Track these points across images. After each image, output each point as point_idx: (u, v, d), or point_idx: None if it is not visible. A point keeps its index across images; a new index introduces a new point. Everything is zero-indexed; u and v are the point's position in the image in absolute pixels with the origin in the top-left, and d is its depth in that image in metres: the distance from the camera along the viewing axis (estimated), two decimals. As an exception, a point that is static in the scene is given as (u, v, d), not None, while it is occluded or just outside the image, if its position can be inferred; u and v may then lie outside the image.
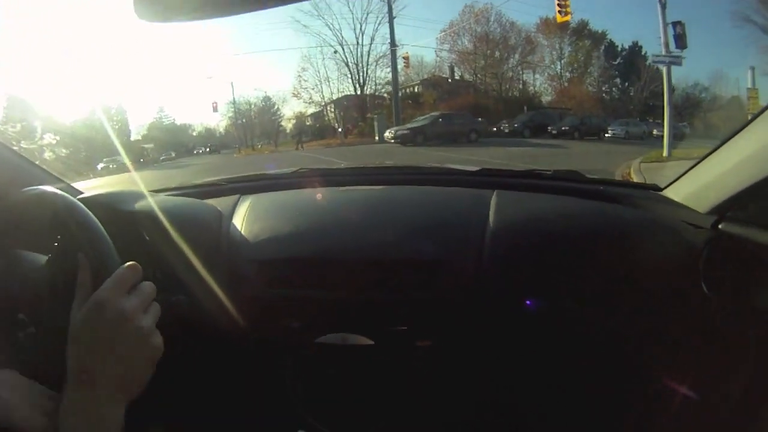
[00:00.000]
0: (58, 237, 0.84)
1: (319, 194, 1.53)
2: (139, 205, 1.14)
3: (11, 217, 0.76)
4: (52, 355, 0.76)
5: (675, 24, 14.34)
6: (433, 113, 24.16)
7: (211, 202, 1.44)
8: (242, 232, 1.31)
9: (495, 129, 24.80)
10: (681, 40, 14.42)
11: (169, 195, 1.58)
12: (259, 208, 1.40)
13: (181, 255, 1.15)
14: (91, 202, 0.83)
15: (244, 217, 1.36)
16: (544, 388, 1.28)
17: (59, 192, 0.78)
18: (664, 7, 14.17)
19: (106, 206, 1.02)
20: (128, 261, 0.77)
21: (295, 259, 1.27)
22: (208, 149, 33.15)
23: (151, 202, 1.18)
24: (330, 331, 1.19)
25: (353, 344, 1.18)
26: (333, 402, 1.23)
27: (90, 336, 0.65)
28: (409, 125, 22.25)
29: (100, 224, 0.76)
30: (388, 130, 22.30)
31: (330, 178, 1.71)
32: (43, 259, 0.87)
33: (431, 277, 1.20)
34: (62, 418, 0.62)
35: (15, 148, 1.25)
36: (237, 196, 1.49)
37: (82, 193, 1.21)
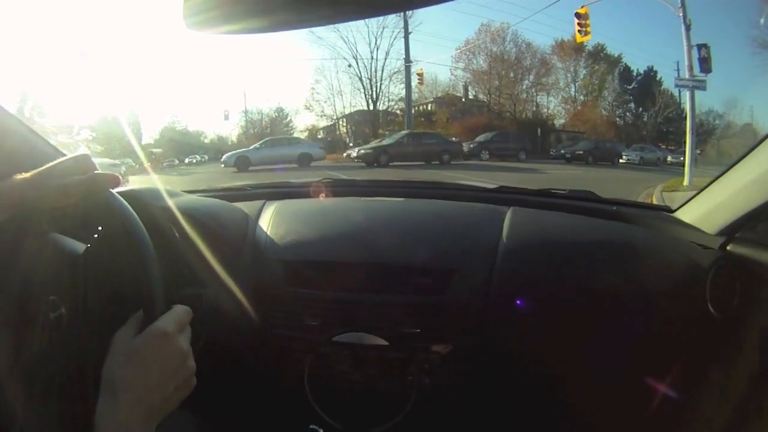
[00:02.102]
0: (99, 228, 0.87)
1: (341, 203, 1.59)
2: (171, 202, 1.18)
3: (53, 201, 0.78)
4: (76, 340, 0.80)
5: (700, 47, 13.96)
6: (401, 131, 23.12)
7: (238, 205, 1.49)
8: (267, 233, 1.37)
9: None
10: (706, 64, 13.99)
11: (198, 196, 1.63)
12: (283, 213, 1.45)
13: (208, 252, 1.19)
14: (126, 196, 0.86)
15: (269, 221, 1.41)
16: (551, 397, 1.31)
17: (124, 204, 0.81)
18: (688, 29, 13.86)
19: (140, 201, 1.05)
20: (159, 255, 0.81)
21: (316, 262, 1.32)
22: (206, 157, 31.40)
23: (183, 201, 1.23)
24: (346, 330, 1.24)
25: (368, 344, 1.23)
26: (346, 399, 1.27)
27: (146, 363, 0.69)
28: (372, 144, 21.09)
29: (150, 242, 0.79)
30: (354, 149, 20.97)
31: (352, 188, 1.78)
32: (77, 245, 0.90)
33: (445, 284, 1.25)
34: (98, 428, 0.65)
35: (52, 141, 1.29)
36: (263, 201, 1.54)
37: None
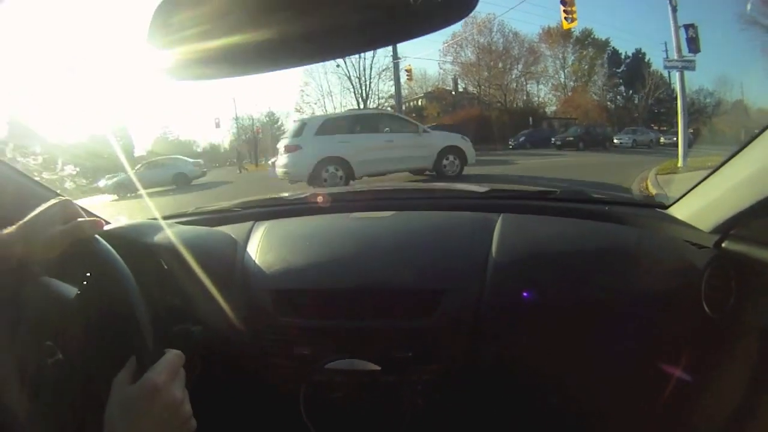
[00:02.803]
0: (87, 275, 0.87)
1: (329, 224, 1.59)
2: (158, 237, 1.18)
3: (40, 254, 0.78)
4: (74, 385, 0.80)
5: (687, 27, 13.87)
6: None
7: (225, 228, 1.48)
8: (256, 261, 1.35)
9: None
10: (694, 44, 13.94)
11: (185, 221, 1.62)
12: (272, 237, 1.44)
13: (197, 284, 1.19)
14: (111, 235, 0.86)
15: (258, 246, 1.39)
16: (547, 414, 1.30)
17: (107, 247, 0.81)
18: (675, 10, 13.81)
19: (126, 239, 1.05)
20: (147, 290, 0.80)
21: (306, 290, 1.31)
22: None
23: (169, 234, 1.22)
24: (339, 357, 1.22)
25: (361, 369, 1.21)
26: (342, 424, 1.25)
27: (139, 414, 0.70)
28: None
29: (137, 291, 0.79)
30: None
31: (341, 203, 1.76)
32: (70, 288, 0.90)
33: (434, 305, 1.23)
34: None
35: (37, 178, 1.29)
36: (251, 223, 1.52)
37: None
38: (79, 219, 0.80)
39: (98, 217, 0.83)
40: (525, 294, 1.24)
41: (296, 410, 1.25)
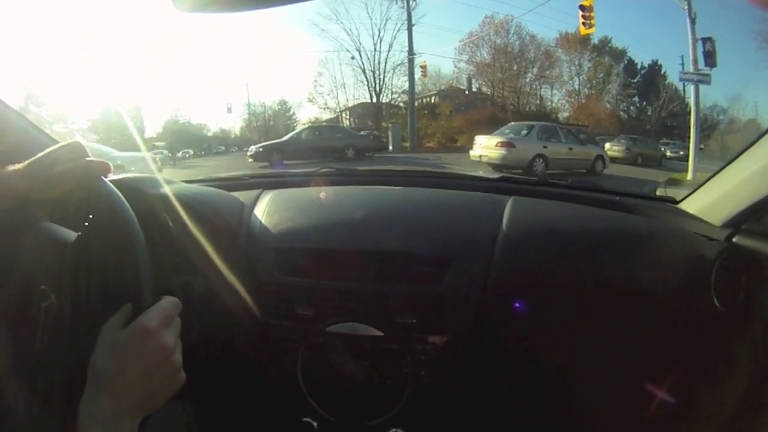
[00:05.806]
0: (90, 217, 0.86)
1: (338, 191, 1.57)
2: (164, 190, 1.17)
3: (45, 191, 0.77)
4: (68, 329, 0.79)
5: (705, 40, 13.87)
6: (303, 126, 21.70)
7: (234, 194, 1.47)
8: (262, 222, 1.34)
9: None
10: (711, 58, 13.88)
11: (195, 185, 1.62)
12: (279, 202, 1.43)
13: (201, 240, 1.18)
14: (120, 183, 0.85)
15: (264, 209, 1.39)
16: (549, 389, 1.29)
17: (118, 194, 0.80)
18: (693, 22, 13.78)
19: (133, 189, 1.04)
20: (150, 242, 0.79)
21: (311, 250, 1.30)
22: (189, 152, 27.26)
23: (177, 189, 1.21)
24: (341, 320, 1.21)
25: (363, 335, 1.20)
26: (341, 391, 1.25)
27: (128, 358, 0.68)
28: (268, 142, 19.07)
29: (142, 236, 0.78)
30: (252, 147, 18.58)
31: (351, 178, 1.75)
32: (69, 233, 0.88)
33: (442, 273, 1.22)
34: (82, 424, 0.64)
35: (47, 130, 1.28)
36: (259, 190, 1.52)
37: None
38: (87, 158, 0.78)
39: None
40: (533, 270, 1.23)
41: (293, 373, 1.24)
